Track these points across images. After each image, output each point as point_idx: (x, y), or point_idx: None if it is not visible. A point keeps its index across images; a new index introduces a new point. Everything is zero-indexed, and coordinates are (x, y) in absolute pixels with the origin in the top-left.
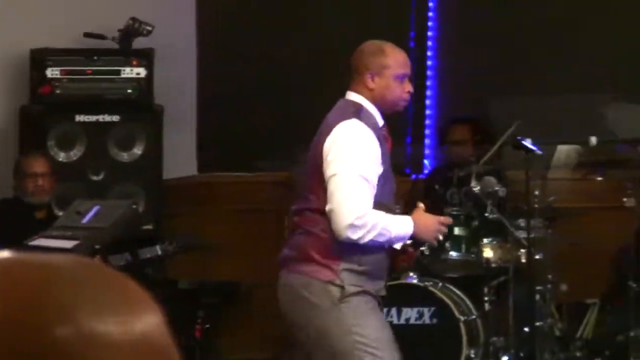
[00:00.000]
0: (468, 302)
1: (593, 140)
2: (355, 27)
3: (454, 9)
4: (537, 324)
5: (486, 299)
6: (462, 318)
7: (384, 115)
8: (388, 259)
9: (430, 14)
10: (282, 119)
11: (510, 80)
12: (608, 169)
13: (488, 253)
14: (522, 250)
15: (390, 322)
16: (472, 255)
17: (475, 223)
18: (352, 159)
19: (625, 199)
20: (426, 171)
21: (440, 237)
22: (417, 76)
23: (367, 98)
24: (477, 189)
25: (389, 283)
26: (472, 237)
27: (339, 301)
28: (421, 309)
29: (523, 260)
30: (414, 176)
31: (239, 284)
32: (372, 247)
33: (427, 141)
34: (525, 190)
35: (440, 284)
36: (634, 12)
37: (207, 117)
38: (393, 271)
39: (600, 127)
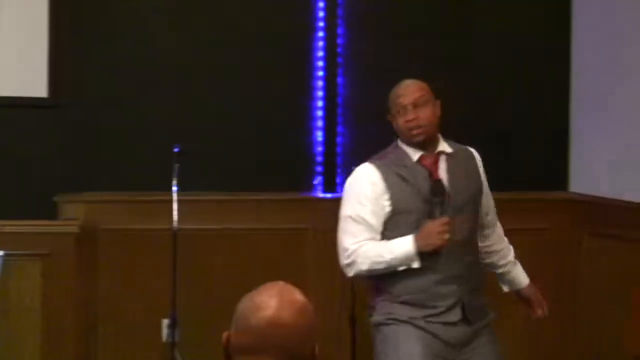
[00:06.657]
0: None
1: None
2: None
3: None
4: None
5: None
6: None
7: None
8: (443, 284)
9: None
10: None
11: None
12: None
13: None
14: None
15: None
16: None
17: None
18: (345, 201)
19: None
20: None
21: (446, 237)
22: None
23: (401, 139)
24: None
25: None
26: None
27: (375, 329)
28: None
29: None
30: None
31: None
32: (407, 276)
33: None
34: None
35: None
36: None
37: None
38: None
39: None
